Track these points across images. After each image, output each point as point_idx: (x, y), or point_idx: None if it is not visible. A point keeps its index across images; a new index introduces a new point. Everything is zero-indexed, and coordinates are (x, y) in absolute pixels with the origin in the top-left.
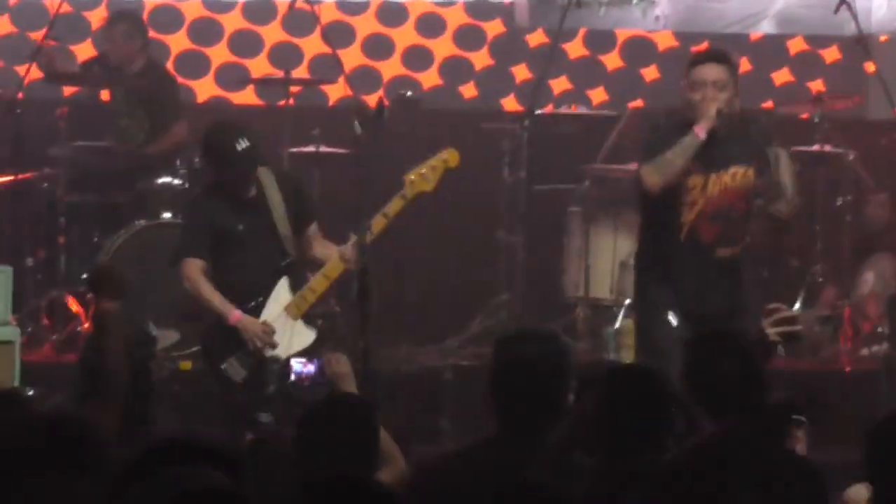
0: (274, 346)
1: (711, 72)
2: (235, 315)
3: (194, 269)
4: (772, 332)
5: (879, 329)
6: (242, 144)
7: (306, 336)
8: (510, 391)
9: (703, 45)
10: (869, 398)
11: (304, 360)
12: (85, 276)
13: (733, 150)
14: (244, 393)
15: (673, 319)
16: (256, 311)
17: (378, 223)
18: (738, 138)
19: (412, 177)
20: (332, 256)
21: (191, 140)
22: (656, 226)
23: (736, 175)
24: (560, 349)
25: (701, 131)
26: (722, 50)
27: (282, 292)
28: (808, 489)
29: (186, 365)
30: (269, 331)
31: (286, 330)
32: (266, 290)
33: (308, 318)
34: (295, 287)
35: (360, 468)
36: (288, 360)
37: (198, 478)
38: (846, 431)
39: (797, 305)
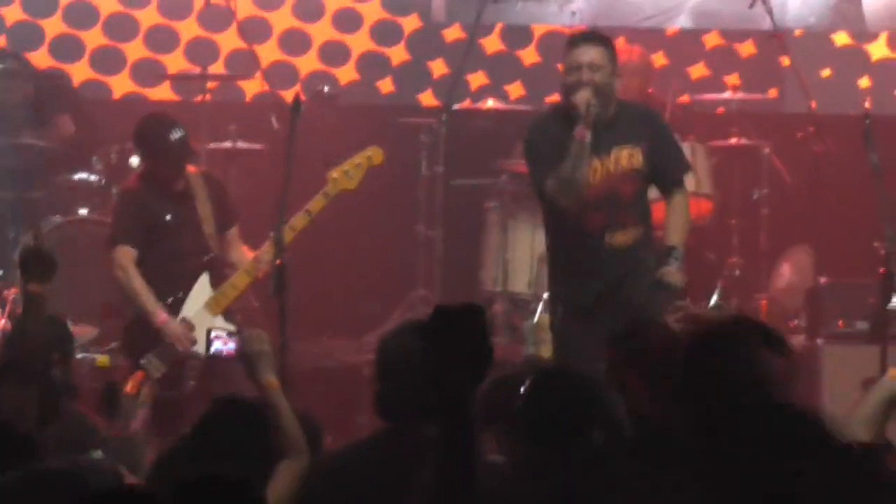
0: (195, 343)
1: (585, 54)
2: (162, 317)
3: (127, 257)
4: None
5: (797, 321)
6: (176, 134)
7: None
8: (387, 384)
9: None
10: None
11: (225, 336)
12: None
13: (615, 133)
14: (162, 389)
15: (572, 315)
16: (177, 306)
17: (300, 220)
18: (620, 121)
19: (335, 174)
20: (250, 259)
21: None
22: (549, 218)
23: (620, 158)
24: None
25: (582, 133)
26: (599, 32)
27: (203, 288)
28: None
29: (105, 361)
30: (191, 336)
31: (205, 326)
32: (188, 285)
33: (227, 314)
34: (215, 283)
35: (253, 470)
36: (209, 332)
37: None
38: None
39: (714, 299)
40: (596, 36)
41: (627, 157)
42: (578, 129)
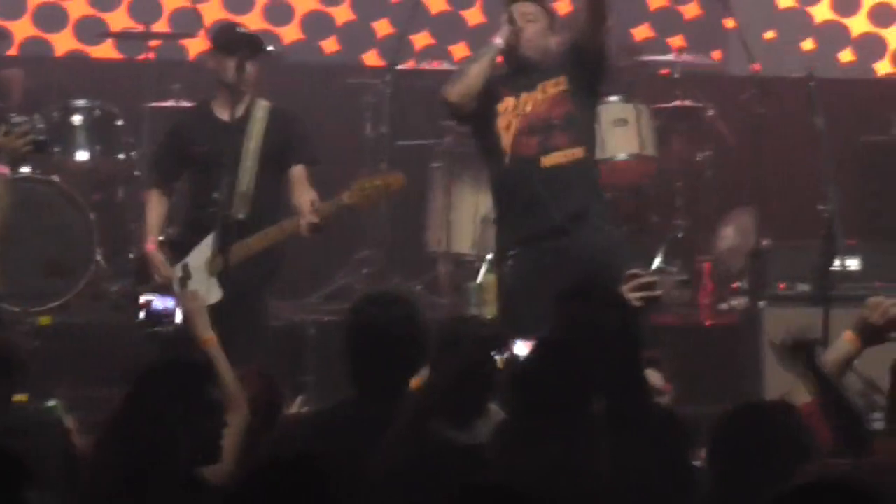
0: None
1: (523, 7)
2: (150, 245)
3: (154, 188)
4: (632, 297)
5: (739, 283)
6: (242, 31)
7: (215, 294)
8: (361, 354)
9: None
10: (729, 353)
11: (159, 297)
12: None
13: (540, 73)
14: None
15: (513, 267)
16: (185, 251)
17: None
18: (547, 64)
19: (354, 188)
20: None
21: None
22: (491, 168)
23: (546, 88)
24: (411, 313)
25: (496, 39)
26: None
27: (208, 244)
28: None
29: (46, 320)
30: (168, 272)
31: (202, 282)
32: (208, 228)
33: (222, 277)
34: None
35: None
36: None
37: None
38: (706, 386)
39: (658, 261)
40: None
41: (553, 85)
42: (494, 36)
